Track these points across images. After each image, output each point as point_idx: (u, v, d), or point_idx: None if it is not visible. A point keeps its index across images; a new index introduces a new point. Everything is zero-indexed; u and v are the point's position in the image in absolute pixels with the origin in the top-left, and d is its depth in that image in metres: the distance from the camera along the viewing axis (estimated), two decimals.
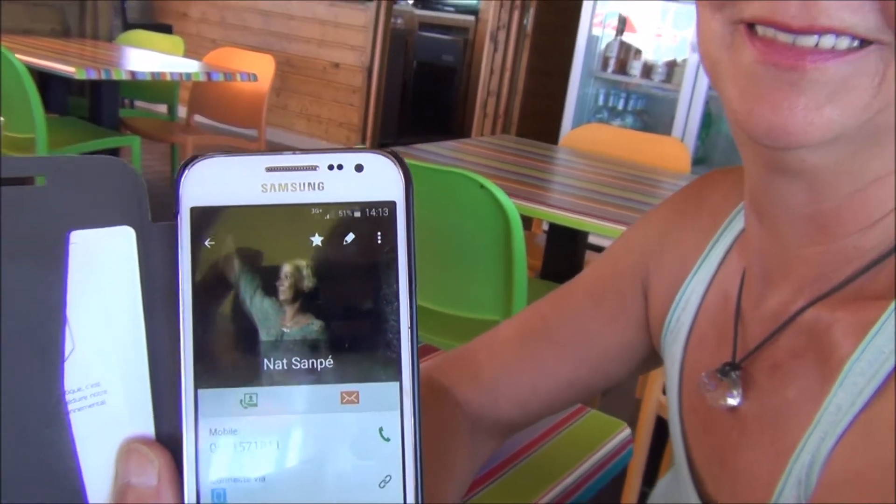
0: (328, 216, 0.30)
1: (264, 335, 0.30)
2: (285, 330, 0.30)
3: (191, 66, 3.17)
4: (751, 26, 0.42)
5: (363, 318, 0.30)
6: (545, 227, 2.79)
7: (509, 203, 1.54)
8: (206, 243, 0.30)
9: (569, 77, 4.18)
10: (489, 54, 5.25)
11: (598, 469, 0.75)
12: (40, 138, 2.62)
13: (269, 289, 0.30)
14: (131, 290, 0.29)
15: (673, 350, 0.60)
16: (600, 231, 1.71)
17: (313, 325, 0.30)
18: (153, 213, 0.30)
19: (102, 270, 0.29)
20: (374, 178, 0.30)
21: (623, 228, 1.65)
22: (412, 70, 6.67)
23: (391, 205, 0.30)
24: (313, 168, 0.30)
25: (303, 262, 0.30)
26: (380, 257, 0.30)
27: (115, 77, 2.76)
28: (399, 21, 6.39)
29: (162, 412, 0.30)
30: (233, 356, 0.29)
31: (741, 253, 0.56)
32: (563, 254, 2.21)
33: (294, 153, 0.30)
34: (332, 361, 0.30)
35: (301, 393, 0.29)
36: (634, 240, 0.65)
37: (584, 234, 2.20)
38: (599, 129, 2.87)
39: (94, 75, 2.69)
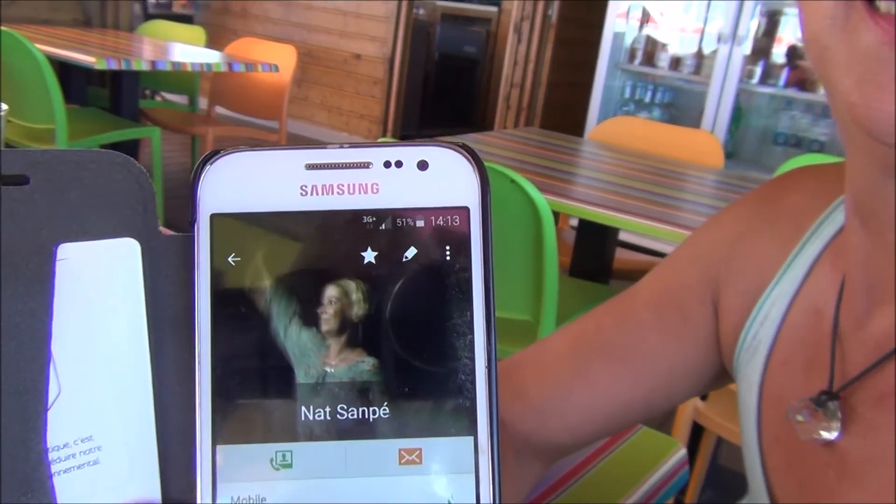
0: (384, 226, 0.24)
1: (302, 376, 0.23)
2: (329, 370, 0.23)
3: (212, 57, 3.12)
4: (871, 2, 0.35)
5: (428, 356, 0.23)
6: (572, 222, 2.72)
7: (540, 198, 1.48)
8: (230, 260, 0.23)
9: (594, 69, 4.10)
10: (513, 46, 5.17)
11: (654, 493, 0.68)
12: (60, 129, 2.58)
13: (309, 318, 0.23)
14: (134, 319, 0.23)
15: (749, 371, 0.53)
16: (633, 227, 1.64)
17: (364, 364, 0.23)
18: (168, 218, 0.24)
19: (98, 294, 0.23)
20: (442, 179, 0.24)
21: (656, 225, 1.59)
22: (434, 61, 6.60)
23: (464, 212, 0.24)
24: (366, 165, 0.24)
25: (351, 285, 0.23)
26: (449, 278, 0.24)
27: (135, 67, 2.72)
28: (421, 12, 6.33)
29: (171, 475, 0.23)
30: (262, 403, 0.23)
31: (835, 263, 0.49)
32: (593, 251, 2.14)
33: (341, 146, 0.24)
34: (388, 411, 0.23)
35: (348, 451, 0.23)
36: (701, 246, 0.58)
37: (615, 231, 2.13)
38: (629, 122, 2.79)
39: (114, 65, 2.64)
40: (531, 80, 5.14)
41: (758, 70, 3.73)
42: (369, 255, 0.24)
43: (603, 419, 0.59)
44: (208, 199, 0.24)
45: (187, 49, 3.34)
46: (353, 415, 0.23)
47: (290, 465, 0.23)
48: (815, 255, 0.51)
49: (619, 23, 4.05)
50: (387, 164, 0.24)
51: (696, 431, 1.77)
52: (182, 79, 3.71)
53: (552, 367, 0.60)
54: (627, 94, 4.22)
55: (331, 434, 0.23)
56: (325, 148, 0.24)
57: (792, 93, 3.70)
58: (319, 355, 0.23)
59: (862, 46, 0.35)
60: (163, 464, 0.23)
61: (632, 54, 4.12)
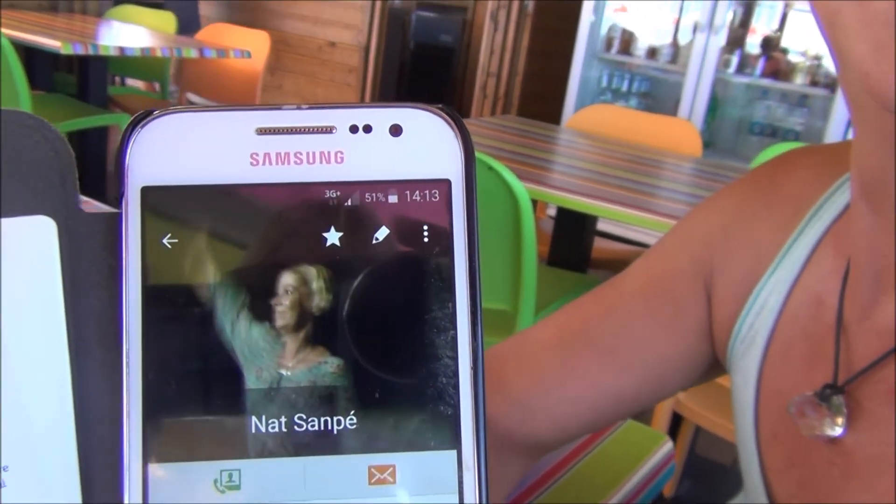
0: (350, 202, 0.20)
1: (253, 381, 0.20)
2: (284, 373, 0.20)
3: (182, 43, 3.05)
4: None
5: (403, 355, 0.20)
6: (550, 211, 2.70)
7: (519, 186, 1.45)
8: (166, 242, 0.20)
9: (570, 59, 4.08)
10: (489, 35, 5.13)
11: (641, 488, 0.66)
12: None
13: (261, 311, 0.20)
14: (49, 313, 0.19)
15: (745, 363, 0.50)
16: (611, 216, 1.62)
17: (327, 366, 0.20)
18: (102, 196, 0.20)
19: (4, 283, 0.19)
20: (419, 146, 0.20)
21: (635, 213, 1.57)
22: (410, 50, 6.54)
23: (444, 185, 0.20)
24: (328, 130, 0.20)
25: (311, 271, 0.20)
26: (428, 263, 0.20)
27: (102, 53, 2.64)
28: (396, 0, 6.26)
29: (94, 499, 0.19)
30: (203, 413, 0.19)
31: (838, 249, 0.46)
32: (571, 240, 2.12)
33: (299, 107, 0.20)
34: (355, 421, 0.20)
35: (308, 469, 0.19)
36: (692, 232, 0.55)
37: (594, 219, 2.11)
38: (607, 110, 2.76)
39: (80, 50, 2.57)
40: (508, 69, 5.11)
41: (734, 59, 3.73)
42: (332, 237, 0.20)
43: (590, 413, 0.56)
44: (139, 170, 0.20)
45: (157, 34, 3.26)
46: (313, 426, 0.20)
47: (237, 487, 0.19)
48: (815, 241, 0.48)
49: (595, 13, 4.02)
50: (353, 129, 0.20)
51: (674, 421, 1.75)
52: (152, 65, 3.63)
53: (536, 359, 0.57)
54: (604, 84, 4.20)
55: (287, 449, 0.19)
56: (279, 109, 0.20)
57: (768, 82, 3.70)
58: (273, 355, 0.20)
59: (879, 9, 0.32)
60: (85, 486, 0.19)
61: (608, 43, 4.10)
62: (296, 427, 0.19)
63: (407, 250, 0.20)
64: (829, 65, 3.50)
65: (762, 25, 3.78)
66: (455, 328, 0.20)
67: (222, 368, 0.19)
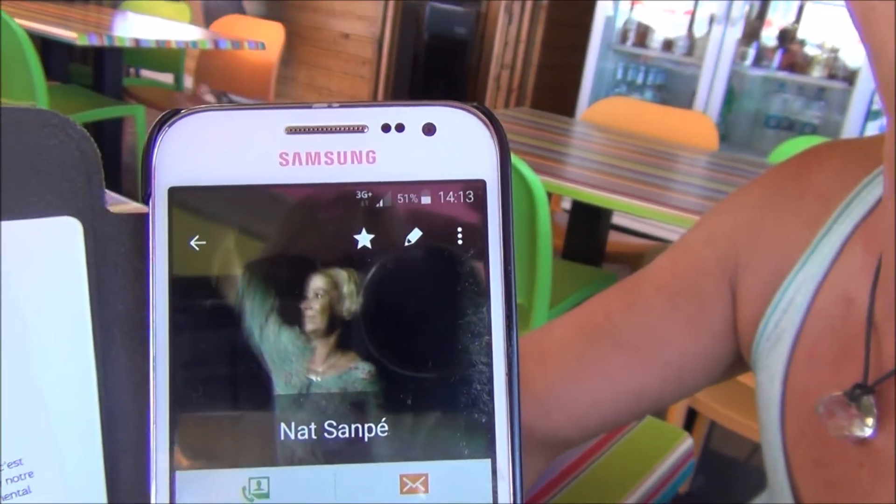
0: (381, 203, 0.19)
1: (282, 386, 0.19)
2: (314, 378, 0.19)
3: (197, 34, 3.04)
4: None
5: (436, 361, 0.19)
6: (564, 205, 2.68)
7: (535, 178, 1.44)
8: (193, 244, 0.19)
9: (585, 51, 4.05)
10: (503, 26, 5.10)
11: (660, 486, 0.65)
12: (41, 106, 2.51)
13: (291, 314, 0.19)
14: (75, 316, 0.19)
15: (771, 361, 0.49)
16: (627, 209, 1.61)
17: (358, 371, 0.19)
18: (119, 188, 0.20)
19: (29, 286, 0.18)
20: (453, 146, 0.20)
21: (651, 206, 1.55)
22: (423, 42, 6.52)
23: (479, 186, 0.20)
24: (360, 129, 0.20)
25: (342, 275, 0.19)
26: (462, 266, 0.19)
27: (117, 44, 2.64)
28: None
29: None
30: (231, 419, 0.19)
31: (868, 245, 0.45)
32: (586, 233, 2.11)
33: (330, 106, 0.20)
34: (386, 428, 0.19)
35: (338, 478, 0.19)
36: (717, 228, 0.54)
37: (609, 213, 2.09)
38: (622, 103, 2.75)
39: (96, 41, 2.57)
40: (522, 61, 5.08)
41: (751, 52, 3.69)
42: (364, 239, 0.19)
43: (611, 410, 0.55)
44: (166, 170, 0.19)
45: (172, 26, 3.26)
46: (343, 433, 0.19)
47: (266, 495, 0.19)
48: (844, 237, 0.47)
49: (610, 4, 4.00)
50: (385, 128, 0.20)
51: (689, 416, 1.75)
52: (167, 56, 3.64)
53: (556, 355, 0.56)
54: (619, 76, 4.18)
55: (317, 457, 0.19)
56: (309, 107, 0.20)
57: (784, 75, 3.66)
58: (303, 360, 0.19)
59: None
60: (111, 494, 0.19)
61: (623, 35, 4.07)
62: (326, 434, 0.19)
63: (440, 253, 0.19)
64: (846, 57, 3.46)
65: (778, 17, 3.75)
66: (489, 333, 0.19)
67: (250, 374, 0.19)
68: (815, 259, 0.48)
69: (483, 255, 0.19)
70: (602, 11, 3.99)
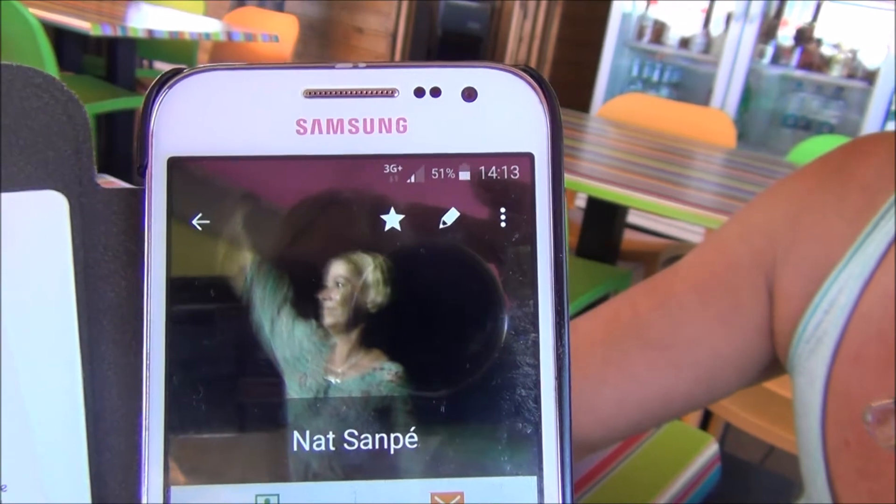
0: (413, 179, 0.17)
1: (296, 389, 0.16)
2: (333, 380, 0.17)
3: (210, 26, 3.03)
4: None
5: (474, 362, 0.17)
6: (579, 202, 2.65)
7: None
8: (195, 223, 0.17)
9: (600, 48, 4.02)
10: (518, 22, 5.07)
11: (686, 492, 0.62)
12: None
13: (307, 306, 0.17)
14: (58, 306, 0.16)
15: (811, 365, 0.46)
16: (643, 206, 1.58)
17: (384, 373, 0.17)
18: (124, 176, 0.17)
19: (3, 269, 0.16)
20: (496, 114, 0.17)
21: (668, 203, 1.52)
22: (437, 37, 6.50)
23: (526, 160, 0.17)
24: (390, 93, 0.17)
25: (367, 260, 0.17)
26: (505, 253, 0.17)
27: (131, 34, 2.64)
28: None
29: None
30: (236, 426, 0.16)
31: None
32: (601, 230, 2.08)
33: (356, 66, 0.17)
34: (416, 439, 0.16)
35: (359, 496, 0.16)
36: (753, 223, 0.51)
37: (624, 210, 2.07)
38: (639, 100, 2.71)
39: (109, 31, 2.56)
40: (536, 57, 5.05)
41: (769, 50, 3.65)
42: (392, 220, 0.17)
43: (638, 413, 0.52)
44: (166, 138, 0.17)
45: (186, 17, 3.25)
46: (366, 444, 0.16)
47: None
48: (892, 235, 0.44)
49: (626, 2, 3.96)
50: (419, 93, 0.17)
51: (704, 418, 1.72)
52: (180, 48, 3.63)
53: (582, 354, 0.53)
54: (635, 73, 4.14)
55: (335, 472, 0.16)
56: (332, 67, 0.17)
57: (802, 74, 3.62)
58: (320, 360, 0.17)
59: None
60: None
61: (640, 32, 4.04)
62: (345, 445, 0.16)
63: (480, 237, 0.17)
64: (866, 57, 3.41)
65: (795, 17, 3.70)
66: (537, 331, 0.17)
67: (259, 374, 0.16)
68: (860, 257, 0.45)
69: (530, 239, 0.17)
70: (618, 8, 3.96)
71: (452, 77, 0.17)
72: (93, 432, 0.16)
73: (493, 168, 0.17)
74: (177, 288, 0.16)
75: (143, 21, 2.95)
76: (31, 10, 2.51)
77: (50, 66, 2.50)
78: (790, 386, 0.50)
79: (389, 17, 5.20)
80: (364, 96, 0.17)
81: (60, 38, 2.97)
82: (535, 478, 0.17)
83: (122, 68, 3.02)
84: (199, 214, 0.17)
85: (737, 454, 2.01)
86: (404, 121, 0.17)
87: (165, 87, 0.17)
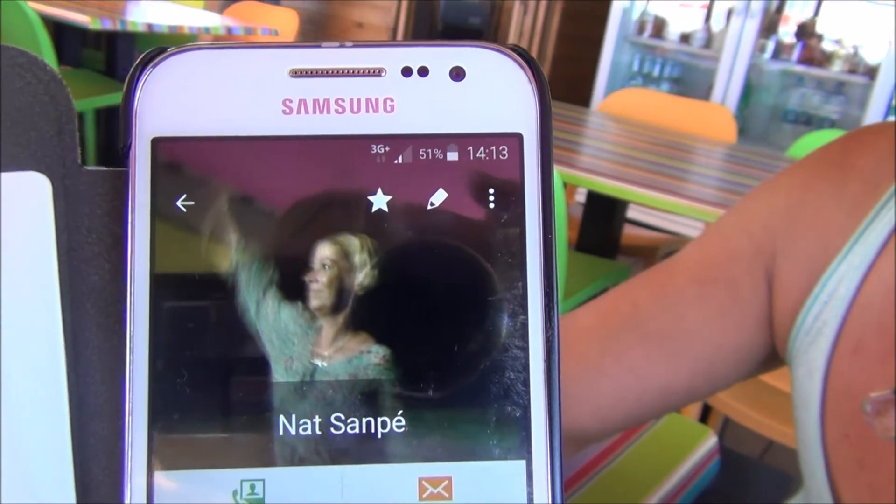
0: (401, 159, 0.17)
1: (281, 373, 0.16)
2: (319, 363, 0.16)
3: (210, 20, 3.03)
4: None
5: (462, 345, 0.16)
6: (579, 197, 2.65)
7: None
8: (180, 204, 0.16)
9: (600, 44, 4.01)
10: (518, 18, 5.06)
11: (685, 484, 0.62)
12: None
13: (293, 288, 0.16)
14: (41, 289, 0.16)
15: (810, 357, 0.46)
16: (643, 200, 1.58)
17: (371, 356, 0.16)
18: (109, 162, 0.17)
19: None
20: (485, 93, 0.17)
21: (667, 198, 1.52)
22: (438, 32, 6.49)
23: (514, 140, 0.17)
24: (376, 73, 0.17)
25: (354, 242, 0.16)
26: (494, 234, 0.16)
27: (130, 29, 2.63)
28: None
29: None
30: (221, 411, 0.16)
31: None
32: (601, 225, 2.08)
33: (342, 46, 0.17)
34: (403, 423, 0.16)
35: (346, 480, 0.16)
36: (753, 213, 0.51)
37: (624, 205, 2.06)
38: (639, 94, 2.71)
39: (108, 25, 2.56)
40: (537, 52, 5.04)
41: (770, 45, 3.64)
42: (379, 201, 0.17)
43: (636, 405, 0.52)
44: (149, 117, 0.16)
45: (185, 11, 3.24)
46: (353, 428, 0.16)
47: (261, 500, 0.16)
48: (892, 225, 0.43)
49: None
50: (406, 72, 0.17)
51: (703, 411, 1.71)
52: (180, 42, 3.62)
53: (579, 345, 0.53)
54: (636, 68, 4.13)
55: (321, 456, 0.16)
56: (318, 47, 0.17)
57: (803, 69, 3.61)
58: (306, 343, 0.16)
59: None
60: (80, 497, 0.16)
61: (640, 27, 4.03)
62: (332, 430, 0.16)
63: (469, 218, 0.17)
64: (867, 52, 3.41)
65: (796, 13, 3.70)
66: (525, 313, 0.16)
67: (244, 357, 0.16)
68: (860, 248, 0.44)
69: (519, 220, 0.17)
70: (618, 3, 3.95)
71: (440, 56, 0.17)
72: (76, 417, 0.16)
73: (482, 148, 0.17)
74: (161, 270, 0.16)
75: (142, 15, 2.95)
76: (31, 4, 2.51)
77: (49, 60, 2.49)
78: (789, 380, 0.50)
79: (390, 13, 5.19)
80: (351, 76, 0.17)
81: (60, 32, 2.97)
82: (524, 462, 0.16)
83: (122, 63, 3.01)
84: (183, 195, 0.16)
85: (736, 449, 2.01)
86: (391, 100, 0.17)
87: (149, 66, 0.17)
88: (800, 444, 0.48)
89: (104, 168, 0.17)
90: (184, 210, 0.16)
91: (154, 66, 0.17)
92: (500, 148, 0.17)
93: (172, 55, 0.17)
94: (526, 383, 0.16)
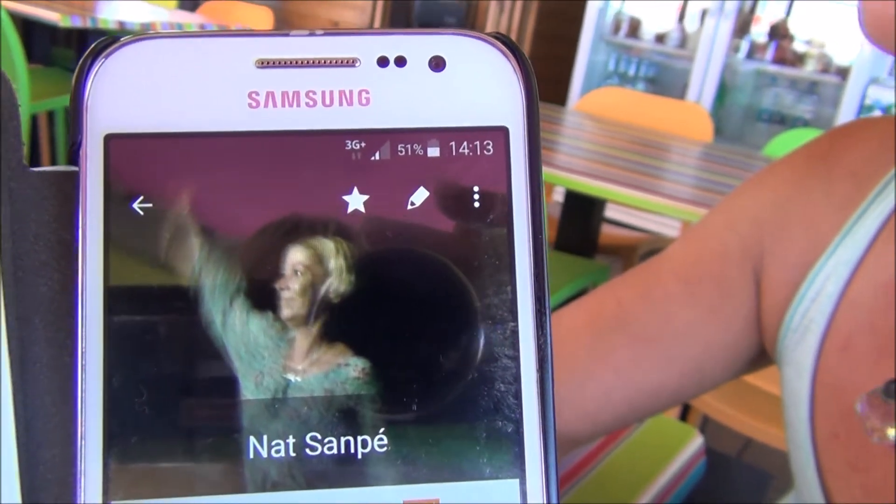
0: (378, 156, 0.15)
1: (250, 389, 0.15)
2: (293, 378, 0.15)
3: (183, 18, 2.99)
4: None
5: (448, 355, 0.15)
6: (557, 197, 2.65)
7: None
8: (136, 207, 0.15)
9: (576, 43, 4.02)
10: (494, 17, 5.06)
11: (671, 488, 0.61)
12: (22, 89, 2.46)
13: (262, 296, 0.15)
14: None
15: (798, 355, 0.45)
16: (619, 198, 1.58)
17: (349, 369, 0.15)
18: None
19: None
20: (467, 85, 0.16)
21: (644, 196, 1.52)
22: None
23: (499, 134, 0.15)
24: (350, 63, 0.15)
25: (328, 246, 0.15)
26: (480, 235, 0.15)
27: (101, 26, 2.59)
28: None
29: None
30: (184, 433, 0.15)
31: None
32: (579, 224, 2.08)
33: (312, 34, 0.16)
34: (385, 441, 0.15)
35: None
36: (740, 211, 0.50)
37: (602, 204, 2.07)
38: (616, 93, 2.71)
39: (79, 23, 2.52)
40: None
41: (744, 45, 3.67)
42: (355, 201, 0.15)
43: (624, 406, 0.51)
44: (102, 112, 0.15)
45: (158, 9, 3.20)
46: (331, 449, 0.15)
47: None
48: (881, 221, 0.43)
49: None
50: (382, 62, 0.16)
51: (683, 409, 1.71)
52: None
53: (565, 346, 0.52)
54: (611, 68, 4.15)
55: (297, 480, 0.15)
56: (286, 35, 0.16)
57: (777, 69, 3.65)
58: (278, 356, 0.15)
59: None
60: None
61: (616, 26, 4.04)
62: (308, 451, 0.15)
63: (452, 218, 0.15)
64: (839, 52, 3.45)
65: (768, 14, 3.73)
66: (515, 319, 0.15)
67: (210, 374, 0.15)
68: (848, 244, 0.44)
69: (506, 221, 0.15)
70: (594, 2, 3.96)
71: (418, 45, 0.16)
72: (24, 443, 0.15)
73: (465, 143, 0.15)
74: (116, 280, 0.15)
75: (113, 13, 2.91)
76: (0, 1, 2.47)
77: (18, 59, 2.45)
78: (769, 378, 0.49)
79: (365, 12, 5.16)
80: (322, 66, 0.15)
81: (29, 29, 2.93)
82: (517, 480, 0.15)
83: None
84: (140, 197, 0.15)
85: (714, 447, 2.01)
86: (367, 93, 0.15)
87: (101, 55, 0.15)
88: (790, 443, 0.47)
89: (52, 168, 0.15)
90: (141, 213, 0.15)
91: (107, 57, 0.15)
92: (485, 142, 0.15)
93: (127, 44, 0.15)
94: (518, 395, 0.15)
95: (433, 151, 0.15)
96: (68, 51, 3.44)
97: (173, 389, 0.15)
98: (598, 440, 0.63)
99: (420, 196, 0.15)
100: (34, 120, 2.93)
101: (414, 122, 0.15)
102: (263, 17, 3.31)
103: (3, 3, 2.50)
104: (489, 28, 4.99)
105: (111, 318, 0.15)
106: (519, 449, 0.15)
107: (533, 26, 4.98)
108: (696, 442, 0.66)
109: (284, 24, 5.36)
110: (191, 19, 2.98)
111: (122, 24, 2.67)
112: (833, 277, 0.44)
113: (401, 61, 0.16)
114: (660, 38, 3.95)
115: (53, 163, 0.15)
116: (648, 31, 4.00)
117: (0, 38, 2.44)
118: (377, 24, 5.14)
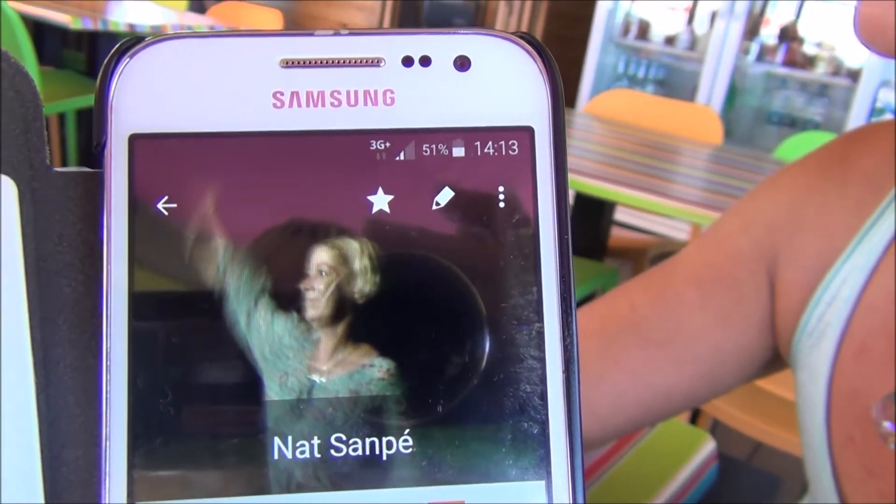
0: (402, 156, 0.15)
1: (275, 390, 0.15)
2: (317, 379, 0.15)
3: (193, 20, 3.00)
4: None
5: (473, 356, 0.15)
6: None
7: None
8: (161, 207, 0.15)
9: (586, 45, 4.02)
10: (503, 19, 5.06)
11: (683, 492, 0.61)
12: None
13: (287, 297, 0.15)
14: (7, 303, 0.14)
15: (813, 359, 0.45)
16: (629, 201, 1.57)
17: (374, 370, 0.15)
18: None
19: None
20: (492, 84, 0.15)
21: (654, 199, 1.52)
22: None
23: (525, 134, 0.15)
24: (375, 63, 0.15)
25: (353, 246, 0.15)
26: (505, 235, 0.15)
27: (112, 28, 2.60)
28: None
29: None
30: (208, 434, 0.15)
31: None
32: (589, 227, 2.08)
33: (337, 33, 0.15)
34: (411, 443, 0.15)
35: None
36: (754, 214, 0.50)
37: (611, 206, 2.06)
38: (626, 96, 2.71)
39: (90, 25, 2.53)
40: None
41: (754, 47, 3.66)
42: (380, 201, 0.15)
43: (636, 410, 0.51)
44: (127, 113, 0.15)
45: (168, 12, 3.22)
46: (356, 450, 0.15)
47: None
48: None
49: (610, 1, 3.96)
50: (407, 62, 0.15)
51: (693, 412, 1.71)
52: None
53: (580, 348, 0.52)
54: (621, 70, 4.14)
55: (321, 481, 0.15)
56: (311, 35, 0.15)
57: (787, 71, 3.63)
58: (303, 356, 0.15)
59: None
60: None
61: (626, 28, 4.04)
62: (332, 452, 0.15)
63: (477, 218, 0.15)
64: (850, 55, 3.43)
65: (778, 16, 3.72)
66: (541, 320, 0.15)
67: (234, 374, 0.15)
68: (864, 248, 0.43)
69: (531, 221, 0.15)
70: (603, 5, 3.96)
71: (443, 45, 0.16)
72: (47, 444, 0.14)
73: (490, 143, 0.15)
74: (140, 280, 0.15)
75: (124, 15, 2.92)
76: (10, 3, 2.48)
77: (29, 61, 2.46)
78: (778, 382, 0.49)
79: (374, 14, 5.17)
80: (347, 66, 0.15)
81: (40, 32, 2.94)
82: (543, 482, 0.15)
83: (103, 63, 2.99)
84: (164, 197, 0.15)
85: (724, 451, 2.01)
86: (391, 92, 0.15)
87: (126, 55, 0.15)
88: (805, 448, 0.47)
89: (76, 169, 0.15)
90: (165, 213, 0.15)
91: (131, 57, 0.15)
92: (510, 142, 0.15)
93: (151, 44, 0.15)
94: (543, 397, 0.15)
95: (458, 151, 0.15)
96: (79, 53, 3.46)
97: (198, 390, 0.15)
98: (610, 444, 0.63)
99: (445, 196, 0.15)
100: (45, 122, 2.95)
101: (439, 122, 0.15)
102: (273, 19, 3.31)
103: (14, 4, 2.51)
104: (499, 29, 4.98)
105: (136, 319, 0.15)
106: (545, 450, 0.15)
107: (542, 28, 4.97)
108: (709, 446, 0.65)
109: (294, 26, 5.37)
110: (201, 21, 3.00)
111: (132, 26, 2.68)
112: (849, 281, 0.44)
113: (426, 61, 0.16)
114: (669, 41, 3.94)
115: (64, 165, 0.15)
116: (658, 33, 3.99)
117: (12, 41, 2.46)
118: (386, 25, 5.14)
